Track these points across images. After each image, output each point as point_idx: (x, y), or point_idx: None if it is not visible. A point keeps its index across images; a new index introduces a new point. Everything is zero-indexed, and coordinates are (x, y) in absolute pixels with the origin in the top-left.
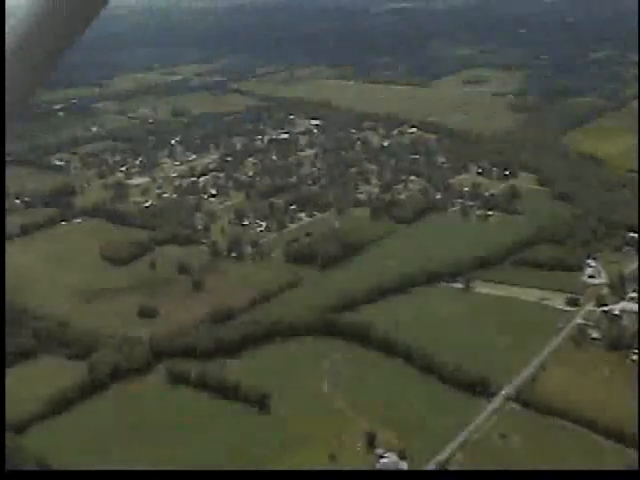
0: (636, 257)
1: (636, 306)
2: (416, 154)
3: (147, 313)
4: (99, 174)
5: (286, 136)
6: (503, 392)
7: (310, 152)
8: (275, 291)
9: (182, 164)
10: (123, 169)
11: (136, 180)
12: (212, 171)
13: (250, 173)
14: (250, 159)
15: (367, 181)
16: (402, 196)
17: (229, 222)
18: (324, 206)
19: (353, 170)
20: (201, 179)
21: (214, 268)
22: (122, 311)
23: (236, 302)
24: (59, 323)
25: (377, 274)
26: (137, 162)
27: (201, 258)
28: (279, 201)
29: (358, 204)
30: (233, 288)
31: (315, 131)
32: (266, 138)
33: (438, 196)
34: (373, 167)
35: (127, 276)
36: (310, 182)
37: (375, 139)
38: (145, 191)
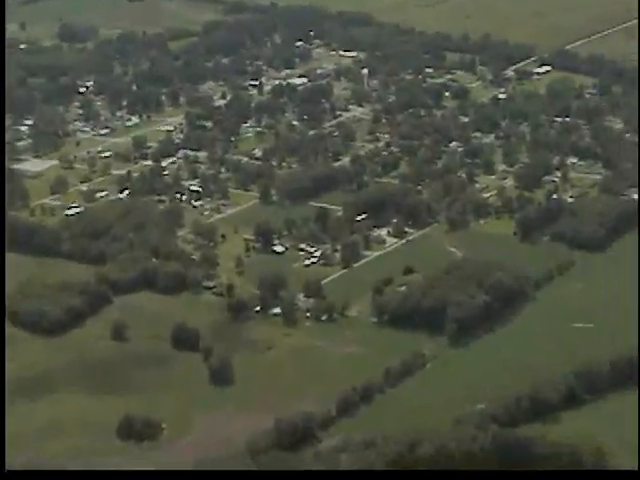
0: None
1: None
2: (566, 115)
3: (138, 429)
4: None
5: (304, 81)
6: None
7: (359, 111)
8: (379, 383)
9: (116, 133)
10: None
11: (33, 164)
12: (181, 148)
13: (256, 152)
14: (247, 125)
15: (488, 167)
16: (567, 197)
17: (247, 248)
18: (422, 216)
19: (453, 145)
20: (165, 163)
21: (243, 338)
22: (77, 424)
23: (308, 405)
24: None
25: (562, 347)
26: (23, 128)
27: (211, 318)
28: (331, 207)
29: (484, 211)
30: (292, 377)
31: (364, 71)
32: (267, 84)
33: (635, 195)
34: (489, 140)
35: (68, 353)
36: (379, 169)
37: (477, 86)
38: (58, 185)
